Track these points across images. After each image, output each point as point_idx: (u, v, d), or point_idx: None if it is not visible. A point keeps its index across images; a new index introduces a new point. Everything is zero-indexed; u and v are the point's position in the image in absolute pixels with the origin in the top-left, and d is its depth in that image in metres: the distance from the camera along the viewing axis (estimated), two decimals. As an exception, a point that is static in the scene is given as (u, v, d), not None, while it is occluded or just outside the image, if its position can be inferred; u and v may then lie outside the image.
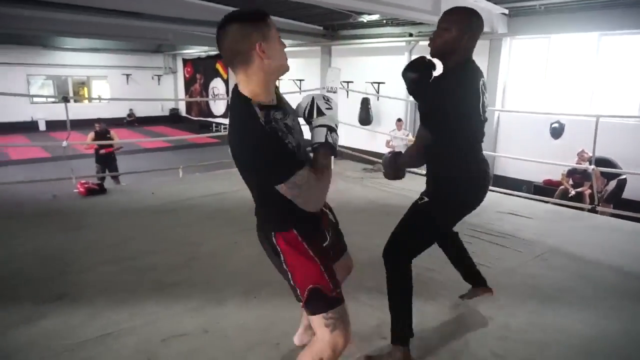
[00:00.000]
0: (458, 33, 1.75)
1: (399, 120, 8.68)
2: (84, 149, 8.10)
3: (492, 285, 2.73)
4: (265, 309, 2.41)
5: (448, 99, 1.73)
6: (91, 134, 7.29)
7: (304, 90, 11.31)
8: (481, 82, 1.82)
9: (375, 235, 3.48)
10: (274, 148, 1.30)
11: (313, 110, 1.42)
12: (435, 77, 1.81)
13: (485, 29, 7.63)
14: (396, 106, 9.68)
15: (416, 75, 1.84)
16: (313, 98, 1.44)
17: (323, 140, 1.38)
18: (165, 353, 2.04)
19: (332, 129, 1.41)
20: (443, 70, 1.84)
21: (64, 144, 4.73)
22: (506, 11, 7.59)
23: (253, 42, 1.30)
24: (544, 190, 7.16)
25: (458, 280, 2.79)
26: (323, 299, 1.46)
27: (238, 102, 1.34)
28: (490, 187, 5.61)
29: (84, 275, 2.77)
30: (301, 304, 1.51)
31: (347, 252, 1.85)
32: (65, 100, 4.97)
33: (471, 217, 4.11)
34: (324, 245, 1.58)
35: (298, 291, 1.51)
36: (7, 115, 16.21)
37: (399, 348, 1.93)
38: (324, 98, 1.44)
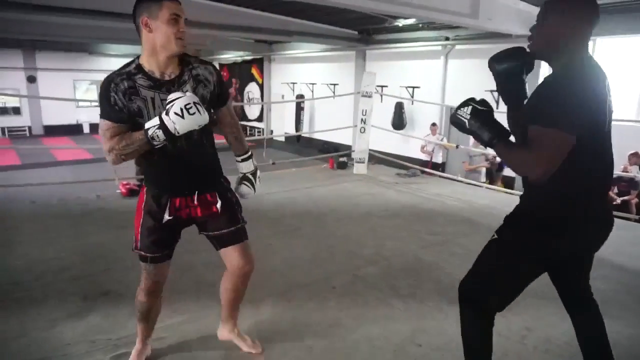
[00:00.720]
0: (569, 22, 1.37)
1: (434, 124, 8.56)
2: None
3: (532, 295, 2.66)
4: (299, 312, 2.43)
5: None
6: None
7: (338, 95, 11.34)
8: (607, 84, 1.39)
9: (409, 241, 3.47)
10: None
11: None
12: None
13: (524, 32, 7.50)
14: (431, 110, 9.57)
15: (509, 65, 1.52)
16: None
17: None
18: (204, 352, 2.09)
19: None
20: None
21: (108, 146, 4.92)
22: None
23: (141, 16, 1.56)
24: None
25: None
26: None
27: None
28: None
29: (126, 273, 2.87)
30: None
31: (234, 245, 1.84)
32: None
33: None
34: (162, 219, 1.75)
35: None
36: (55, 119, 17.06)
37: None
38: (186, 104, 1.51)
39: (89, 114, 17.66)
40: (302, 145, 13.99)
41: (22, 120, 16.82)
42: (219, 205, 1.79)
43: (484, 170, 6.89)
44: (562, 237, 1.44)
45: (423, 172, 6.30)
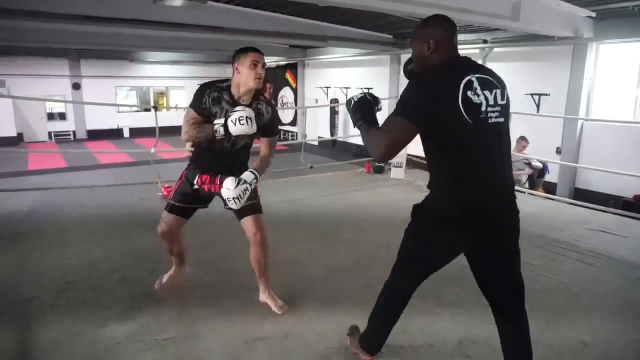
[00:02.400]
0: (420, 46, 1.68)
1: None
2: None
3: (587, 308, 2.55)
4: (344, 317, 2.40)
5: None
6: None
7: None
8: (468, 80, 1.54)
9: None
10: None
11: None
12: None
13: (569, 33, 7.26)
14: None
15: None
16: None
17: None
18: (248, 355, 2.11)
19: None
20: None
21: (152, 150, 5.06)
22: (593, 14, 7.11)
23: (234, 63, 2.23)
24: (635, 206, 6.57)
25: (543, 300, 2.63)
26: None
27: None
28: (574, 202, 5.26)
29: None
30: None
31: (247, 217, 2.35)
32: (155, 109, 5.31)
33: (556, 231, 3.90)
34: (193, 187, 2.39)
35: None
36: (97, 123, 17.73)
37: None
38: None
39: (129, 119, 18.28)
40: (336, 150, 13.99)
41: (68, 125, 17.57)
42: None
43: (525, 176, 6.68)
44: (440, 225, 1.66)
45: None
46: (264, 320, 2.39)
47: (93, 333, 2.25)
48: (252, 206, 2.33)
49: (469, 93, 1.53)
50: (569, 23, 7.25)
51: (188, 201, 2.43)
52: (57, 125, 17.37)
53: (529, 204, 4.85)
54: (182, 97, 19.86)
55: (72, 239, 3.58)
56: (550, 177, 7.87)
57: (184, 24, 8.11)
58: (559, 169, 8.19)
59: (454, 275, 2.93)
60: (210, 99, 2.24)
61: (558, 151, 8.41)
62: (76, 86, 17.10)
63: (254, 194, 2.35)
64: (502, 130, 1.63)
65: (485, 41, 9.41)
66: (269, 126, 2.34)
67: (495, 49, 9.37)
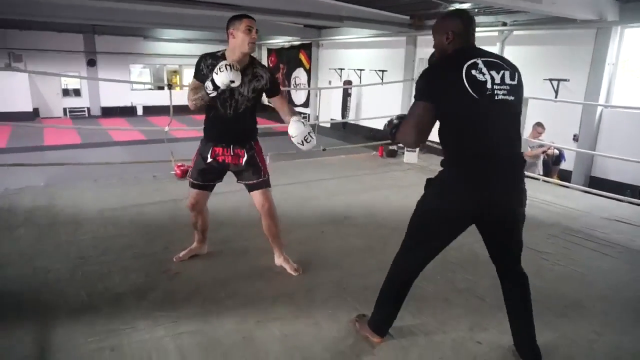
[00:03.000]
0: (439, 37, 1.86)
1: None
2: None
3: (601, 298, 2.52)
4: (355, 299, 2.42)
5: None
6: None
7: (386, 82, 11.14)
8: (472, 62, 1.70)
9: (464, 234, 3.36)
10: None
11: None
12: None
13: (592, 16, 7.04)
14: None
15: None
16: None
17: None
18: (260, 334, 2.13)
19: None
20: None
21: (166, 129, 5.07)
22: (619, -4, 6.89)
23: (229, 28, 2.36)
24: (653, 196, 6.45)
25: (556, 289, 2.61)
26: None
27: None
28: (589, 190, 5.18)
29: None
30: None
31: (255, 191, 2.59)
32: (170, 87, 5.30)
33: (570, 220, 3.85)
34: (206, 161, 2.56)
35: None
36: (111, 100, 17.83)
37: None
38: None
39: (143, 97, 18.33)
40: (348, 132, 13.91)
41: (82, 101, 17.70)
42: (244, 159, 2.52)
43: (540, 163, 6.57)
44: (451, 197, 1.78)
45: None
46: (276, 301, 2.41)
47: (108, 308, 2.29)
48: (262, 182, 2.57)
49: (473, 71, 1.68)
50: (593, 5, 7.03)
51: (205, 177, 2.61)
52: (72, 102, 17.51)
53: (545, 192, 4.79)
54: (195, 75, 19.82)
55: (87, 215, 3.63)
56: (565, 165, 7.76)
57: (199, 1, 8.03)
58: (575, 156, 8.06)
59: (465, 261, 2.94)
60: (206, 66, 2.40)
61: (575, 138, 8.25)
62: (91, 62, 17.16)
63: (263, 172, 2.58)
64: (511, 107, 1.74)
65: (505, 24, 9.18)
66: (271, 86, 2.51)
67: (515, 32, 9.14)
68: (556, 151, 6.73)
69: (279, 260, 2.76)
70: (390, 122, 1.93)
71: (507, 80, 1.72)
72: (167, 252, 2.97)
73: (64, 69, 15.74)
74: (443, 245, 1.90)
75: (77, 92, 17.63)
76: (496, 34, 9.38)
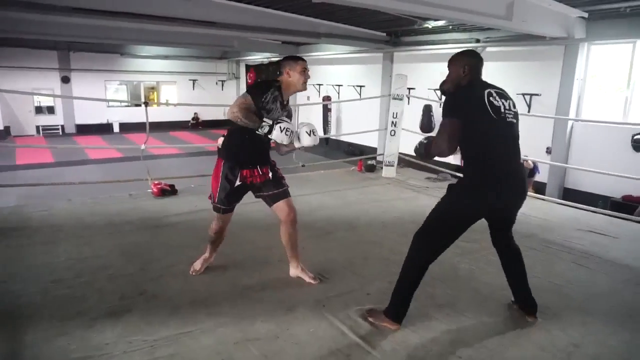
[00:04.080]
0: (457, 69, 2.26)
1: (464, 128, 8.45)
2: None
3: (579, 310, 2.57)
4: (336, 318, 2.39)
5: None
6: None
7: (365, 97, 11.27)
8: (489, 91, 2.14)
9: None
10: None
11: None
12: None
13: (561, 33, 7.30)
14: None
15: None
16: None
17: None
18: (239, 356, 2.08)
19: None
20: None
21: (143, 146, 5.00)
22: (585, 14, 7.15)
23: (285, 67, 2.60)
24: (623, 206, 6.64)
25: (537, 301, 2.64)
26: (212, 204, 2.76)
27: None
28: (563, 202, 5.30)
29: (161, 273, 2.90)
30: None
31: (280, 201, 2.70)
32: (146, 104, 5.25)
33: (547, 232, 3.92)
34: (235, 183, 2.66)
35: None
36: (87, 118, 17.51)
37: None
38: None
39: (119, 114, 18.07)
40: (329, 148, 13.96)
41: (56, 119, 17.31)
42: (270, 175, 2.69)
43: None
44: (478, 196, 2.15)
45: (454, 176, 6.18)
46: (256, 320, 2.36)
47: (81, 333, 2.21)
48: (285, 191, 2.71)
49: (491, 98, 2.12)
50: (562, 23, 7.29)
51: (231, 200, 2.71)
52: (46, 119, 17.10)
53: (520, 204, 4.87)
54: (173, 92, 19.67)
55: (60, 235, 3.53)
56: (540, 177, 7.93)
57: (176, 18, 8.01)
58: (549, 169, 8.25)
59: (446, 276, 2.95)
60: (272, 97, 2.54)
61: (548, 151, 8.47)
62: (65, 79, 16.85)
63: (283, 182, 2.74)
64: (515, 128, 2.21)
65: (478, 40, 9.43)
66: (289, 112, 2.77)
67: (488, 49, 9.39)
68: (530, 164, 6.88)
69: (295, 272, 2.83)
70: (421, 143, 2.32)
71: (511, 108, 2.18)
72: (144, 273, 2.90)
73: (37, 85, 15.39)
74: (456, 238, 2.23)
75: (50, 110, 17.24)
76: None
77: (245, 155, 2.64)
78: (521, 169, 2.26)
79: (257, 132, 2.47)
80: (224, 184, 2.64)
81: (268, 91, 2.53)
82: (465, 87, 2.21)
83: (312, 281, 2.77)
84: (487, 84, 2.21)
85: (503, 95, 2.18)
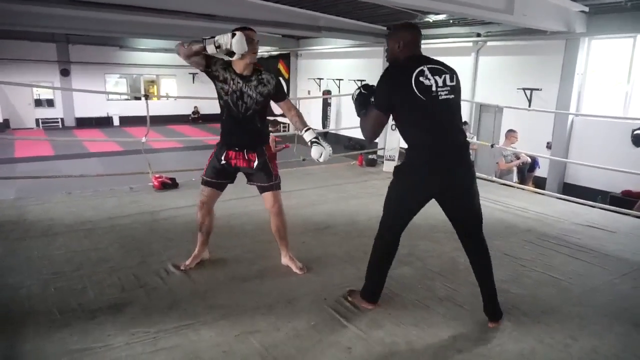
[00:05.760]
0: (392, 44, 2.24)
1: (465, 123, 8.40)
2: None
3: (577, 303, 2.58)
4: (337, 311, 2.41)
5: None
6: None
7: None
8: (420, 70, 2.09)
9: (444, 242, 3.40)
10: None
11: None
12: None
13: (561, 28, 7.28)
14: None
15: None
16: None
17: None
18: (240, 348, 2.09)
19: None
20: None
21: (143, 139, 4.99)
22: (586, 9, 7.13)
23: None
24: (622, 201, 6.64)
25: (533, 295, 2.66)
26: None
27: None
28: (563, 197, 5.31)
29: (161, 266, 2.91)
30: None
31: (267, 192, 2.76)
32: (146, 97, 5.23)
33: (545, 226, 3.93)
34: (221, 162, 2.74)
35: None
36: (86, 111, 17.48)
37: None
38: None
39: (119, 107, 18.04)
40: (328, 141, 13.93)
41: (56, 112, 17.30)
42: (255, 163, 2.69)
43: (515, 170, 6.72)
44: (412, 179, 2.20)
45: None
46: (256, 313, 2.37)
47: (82, 325, 2.22)
48: (273, 184, 2.76)
49: (421, 78, 2.09)
50: (562, 17, 7.27)
51: (218, 176, 2.77)
52: (45, 112, 17.10)
53: (521, 199, 4.89)
54: (173, 85, 19.63)
55: (60, 228, 3.53)
56: (540, 172, 7.94)
57: (176, 11, 7.99)
58: (549, 163, 8.26)
59: (445, 269, 2.96)
60: (219, 65, 2.62)
61: (548, 146, 8.47)
62: (65, 72, 16.81)
63: (274, 176, 2.76)
64: (453, 104, 2.16)
65: (478, 35, 9.41)
66: (277, 91, 2.70)
67: (489, 43, 9.37)
68: (529, 159, 6.87)
69: (284, 260, 2.91)
70: (358, 96, 2.29)
71: (448, 82, 2.13)
72: (144, 266, 2.91)
73: (37, 78, 15.36)
74: (411, 216, 2.28)
75: (50, 103, 17.22)
76: (470, 44, 9.60)
77: (228, 135, 2.73)
78: (460, 144, 2.19)
79: (225, 98, 2.62)
80: (213, 159, 2.77)
81: (217, 62, 2.61)
82: (394, 69, 2.17)
83: (298, 271, 2.83)
84: (423, 59, 2.17)
85: (437, 70, 2.13)
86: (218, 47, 2.41)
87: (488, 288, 2.31)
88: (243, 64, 2.60)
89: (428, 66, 2.12)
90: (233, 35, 2.39)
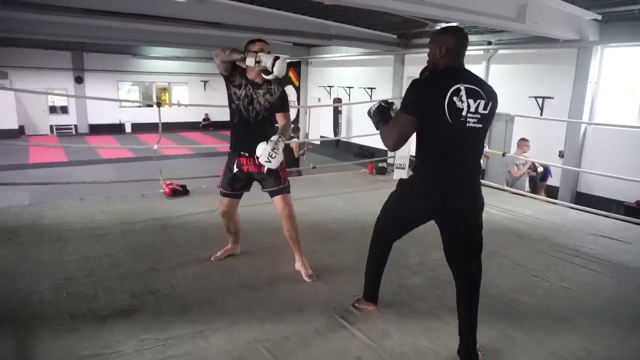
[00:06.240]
0: (434, 49, 2.05)
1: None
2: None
3: (590, 314, 2.54)
4: (346, 321, 2.39)
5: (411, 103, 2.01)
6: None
7: (374, 100, 11.26)
8: (456, 88, 1.91)
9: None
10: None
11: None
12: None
13: (574, 36, 7.23)
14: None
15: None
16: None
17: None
18: (250, 356, 2.09)
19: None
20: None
21: (155, 147, 5.04)
22: (599, 17, 7.07)
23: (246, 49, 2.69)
24: (637, 211, 6.53)
25: (546, 305, 2.62)
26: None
27: None
28: (576, 206, 5.24)
29: (172, 273, 2.92)
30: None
31: (277, 196, 2.82)
32: (159, 105, 5.29)
33: (558, 236, 3.88)
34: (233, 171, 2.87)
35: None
36: (99, 118, 17.71)
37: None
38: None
39: (131, 114, 18.26)
40: (339, 149, 13.96)
41: (69, 118, 17.55)
42: (265, 168, 2.72)
43: (527, 179, 6.65)
44: (414, 195, 2.11)
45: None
46: (266, 321, 2.37)
47: (93, 330, 2.24)
48: (283, 188, 2.82)
49: (455, 98, 1.90)
50: (575, 26, 7.22)
51: (233, 186, 2.90)
52: (59, 119, 17.36)
53: (532, 208, 4.84)
54: (184, 93, 19.83)
55: (72, 234, 3.57)
56: (552, 181, 7.85)
57: (188, 20, 8.08)
58: (561, 172, 8.17)
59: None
60: (238, 71, 2.77)
61: (560, 155, 8.38)
62: (79, 80, 17.08)
63: (283, 179, 2.83)
64: (478, 134, 1.99)
65: (489, 43, 9.38)
66: (279, 102, 2.82)
67: (500, 51, 9.33)
68: (540, 168, 6.81)
69: (297, 265, 2.94)
70: (377, 109, 2.20)
71: (480, 110, 1.95)
72: (155, 272, 2.92)
73: (51, 85, 15.64)
74: (404, 231, 2.27)
75: (64, 110, 17.49)
76: (482, 52, 9.56)
77: (238, 141, 2.84)
78: (471, 175, 2.05)
79: (237, 103, 2.76)
80: (226, 170, 2.90)
81: (237, 73, 2.77)
82: (433, 76, 2.03)
83: (307, 278, 2.86)
84: (463, 75, 1.97)
85: (475, 93, 1.93)
86: (258, 61, 2.57)
87: (467, 330, 2.08)
88: (255, 72, 2.73)
89: (466, 85, 1.92)
90: (277, 57, 2.58)
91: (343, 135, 13.80)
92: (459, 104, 1.90)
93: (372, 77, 12.89)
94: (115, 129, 17.86)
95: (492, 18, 6.10)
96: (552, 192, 7.71)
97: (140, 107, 18.51)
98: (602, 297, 2.79)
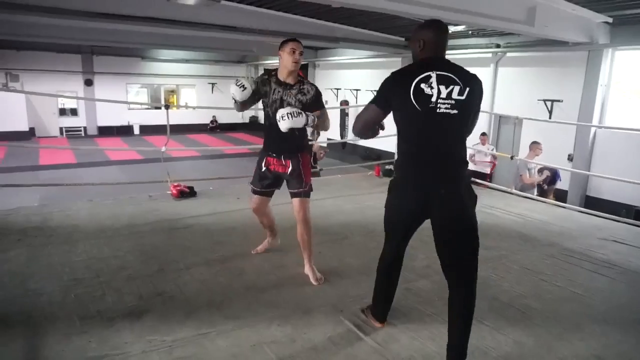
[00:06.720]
0: (413, 44, 2.05)
1: (483, 134, 8.31)
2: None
3: (600, 320, 2.50)
4: (353, 323, 2.38)
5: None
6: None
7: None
8: (426, 75, 1.88)
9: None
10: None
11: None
12: None
13: (584, 39, 7.18)
14: (479, 120, 9.25)
15: None
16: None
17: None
18: (256, 359, 2.08)
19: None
20: None
21: (163, 149, 5.07)
22: (609, 19, 7.02)
23: (279, 51, 2.75)
24: (648, 215, 6.47)
25: (555, 311, 2.59)
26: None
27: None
28: (585, 210, 5.18)
29: (178, 274, 2.93)
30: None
31: (295, 199, 2.86)
32: (167, 107, 5.32)
33: (568, 241, 3.84)
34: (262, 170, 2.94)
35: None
36: (108, 120, 17.87)
37: None
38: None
39: (140, 116, 18.40)
40: (346, 152, 13.96)
41: (79, 120, 17.74)
42: (290, 169, 2.83)
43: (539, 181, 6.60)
44: (398, 194, 2.07)
45: (472, 182, 6.11)
46: (272, 324, 2.36)
47: (100, 331, 2.24)
48: (302, 192, 2.85)
49: (423, 85, 1.88)
50: (585, 28, 7.17)
51: (262, 184, 2.96)
52: (69, 121, 17.54)
53: (541, 212, 4.79)
54: (192, 95, 19.94)
55: (81, 235, 3.59)
56: (561, 185, 7.79)
57: (196, 23, 8.14)
58: (571, 176, 8.10)
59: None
60: (261, 81, 2.82)
61: (570, 158, 8.31)
62: (88, 82, 17.25)
63: (305, 183, 2.85)
64: (452, 121, 1.91)
65: (498, 45, 9.34)
66: (314, 101, 2.80)
67: (508, 54, 9.29)
68: (549, 173, 6.74)
69: (305, 269, 2.93)
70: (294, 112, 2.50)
71: (455, 95, 1.89)
72: (162, 274, 2.93)
73: (61, 88, 15.81)
74: (406, 235, 2.15)
75: (74, 112, 17.67)
76: (490, 55, 9.53)
77: (267, 142, 2.90)
78: (450, 161, 1.95)
79: (266, 108, 2.82)
80: (256, 169, 2.97)
81: (259, 79, 2.84)
82: (404, 68, 2.01)
83: (314, 282, 2.85)
84: (438, 63, 1.93)
85: (447, 79, 1.88)
86: (242, 87, 2.70)
87: (458, 342, 1.97)
88: (286, 72, 2.75)
89: (438, 72, 1.88)
90: (291, 114, 2.62)
91: (350, 138, 13.79)
92: (427, 90, 1.86)
93: (379, 80, 12.69)
94: (124, 131, 18.01)
95: (501, 21, 6.08)
96: (561, 196, 7.65)
97: (149, 109, 18.64)
98: (612, 302, 2.75)
